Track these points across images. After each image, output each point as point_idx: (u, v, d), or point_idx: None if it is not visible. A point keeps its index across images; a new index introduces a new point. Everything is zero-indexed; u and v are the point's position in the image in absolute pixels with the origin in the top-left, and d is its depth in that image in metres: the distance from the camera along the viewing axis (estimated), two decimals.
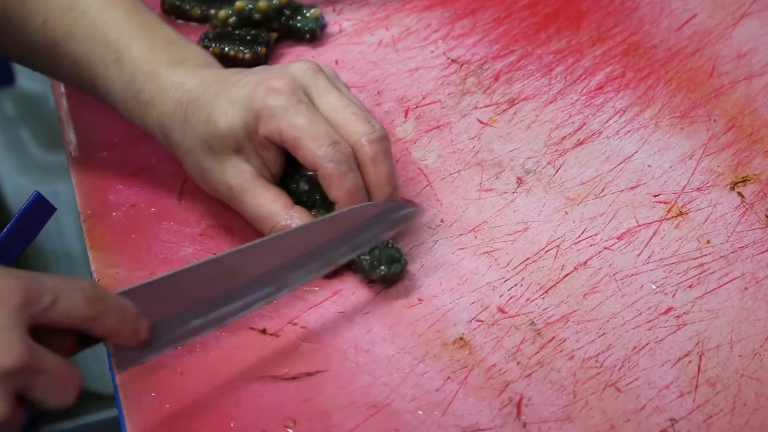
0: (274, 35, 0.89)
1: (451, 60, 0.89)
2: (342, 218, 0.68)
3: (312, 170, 0.69)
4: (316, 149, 0.67)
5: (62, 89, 0.85)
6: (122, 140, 0.80)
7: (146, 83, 0.71)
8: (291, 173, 0.72)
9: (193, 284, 0.62)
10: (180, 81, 0.71)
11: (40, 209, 0.71)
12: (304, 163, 0.69)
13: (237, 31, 0.88)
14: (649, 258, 0.73)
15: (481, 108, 0.84)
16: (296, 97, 0.68)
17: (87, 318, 0.56)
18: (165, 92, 0.71)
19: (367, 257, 0.69)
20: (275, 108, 0.68)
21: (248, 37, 0.87)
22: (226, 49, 0.86)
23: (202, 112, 0.69)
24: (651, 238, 0.74)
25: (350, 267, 0.71)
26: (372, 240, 0.69)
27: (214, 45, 0.86)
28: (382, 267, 0.69)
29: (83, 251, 0.73)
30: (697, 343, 0.67)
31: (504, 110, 0.84)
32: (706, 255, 0.73)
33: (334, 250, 0.68)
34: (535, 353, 0.66)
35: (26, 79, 1.74)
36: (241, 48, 0.86)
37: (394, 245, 0.70)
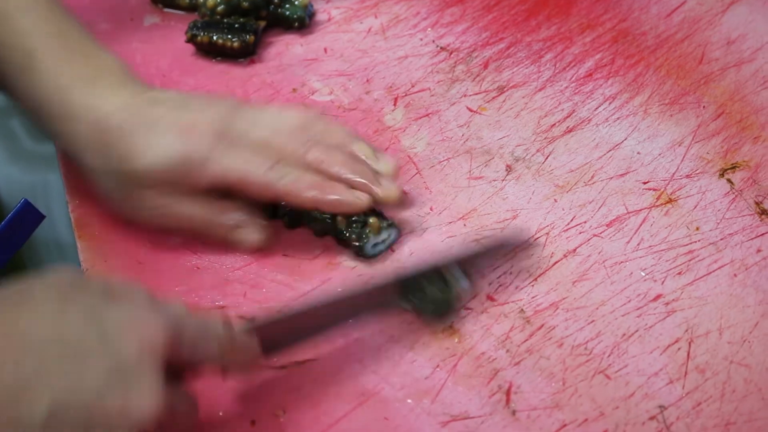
0: (263, 23, 0.89)
1: (441, 48, 0.89)
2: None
3: (276, 201, 0.69)
4: (261, 178, 0.68)
5: None
6: None
7: (55, 95, 0.70)
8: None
9: (319, 315, 0.63)
10: (95, 103, 0.69)
11: (28, 216, 0.71)
12: (262, 197, 0.69)
13: (225, 20, 0.87)
14: (638, 245, 0.73)
15: (470, 96, 0.84)
16: (226, 138, 0.68)
17: (217, 362, 0.57)
18: (78, 110, 0.69)
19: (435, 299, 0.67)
20: (208, 158, 0.67)
21: (236, 26, 0.87)
22: (215, 37, 0.86)
23: (122, 144, 0.68)
24: (640, 225, 0.74)
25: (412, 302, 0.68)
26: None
27: (202, 34, 0.86)
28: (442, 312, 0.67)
29: (74, 240, 0.73)
30: (686, 330, 0.67)
31: (493, 98, 0.84)
32: (696, 242, 0.73)
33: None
34: (525, 341, 0.66)
35: None
36: (229, 36, 0.86)
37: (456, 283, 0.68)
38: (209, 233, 0.71)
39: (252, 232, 0.71)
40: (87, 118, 0.69)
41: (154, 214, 0.70)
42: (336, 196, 0.69)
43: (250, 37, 0.86)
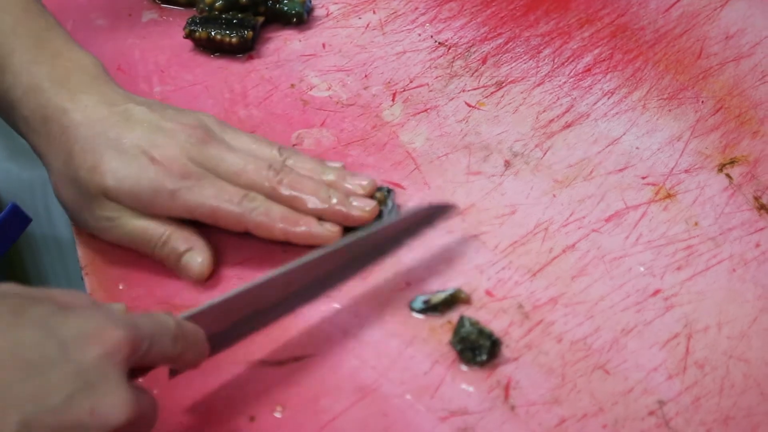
0: (261, 19, 0.89)
1: (439, 43, 0.89)
2: (381, 231, 0.68)
3: (246, 232, 0.69)
4: (232, 212, 0.68)
5: None
6: None
7: (25, 95, 0.70)
8: None
9: (253, 298, 0.62)
10: (65, 106, 0.69)
11: (16, 220, 0.71)
12: (233, 230, 0.69)
13: (224, 15, 0.87)
14: (637, 240, 0.72)
15: (468, 91, 0.84)
16: (197, 167, 0.68)
17: (172, 357, 0.56)
18: (47, 110, 0.69)
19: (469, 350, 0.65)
20: (176, 191, 0.67)
21: (235, 21, 0.87)
22: (213, 33, 0.86)
23: (88, 160, 0.68)
24: (639, 220, 0.74)
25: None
26: (408, 238, 0.69)
27: (200, 29, 0.86)
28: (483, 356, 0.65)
29: (73, 238, 0.73)
30: (686, 325, 0.67)
31: (492, 93, 0.84)
32: (694, 237, 0.73)
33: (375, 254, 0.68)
34: (523, 336, 0.66)
35: None
36: (227, 32, 0.86)
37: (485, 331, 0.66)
38: (155, 255, 0.70)
39: (197, 260, 0.69)
40: (60, 121, 0.69)
41: (106, 226, 0.69)
42: (305, 228, 0.69)
43: (248, 33, 0.86)
